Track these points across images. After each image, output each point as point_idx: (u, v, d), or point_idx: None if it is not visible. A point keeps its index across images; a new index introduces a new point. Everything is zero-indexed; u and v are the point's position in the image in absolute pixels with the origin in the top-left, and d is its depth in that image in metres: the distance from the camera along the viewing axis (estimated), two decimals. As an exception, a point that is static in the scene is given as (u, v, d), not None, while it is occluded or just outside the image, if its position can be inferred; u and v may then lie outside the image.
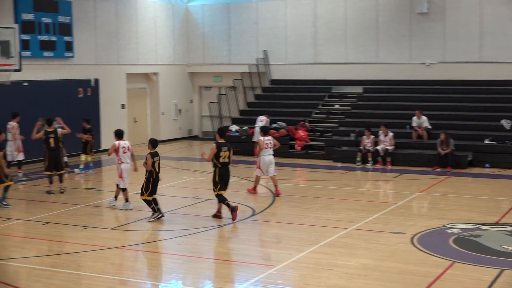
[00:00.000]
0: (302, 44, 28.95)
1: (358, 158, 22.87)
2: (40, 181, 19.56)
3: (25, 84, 22.64)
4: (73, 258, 12.01)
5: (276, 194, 17.39)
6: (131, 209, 15.76)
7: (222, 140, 14.83)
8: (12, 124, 19.61)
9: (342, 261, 11.52)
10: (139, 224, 14.56)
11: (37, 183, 19.47)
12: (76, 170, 21.22)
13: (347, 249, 12.29)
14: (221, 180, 14.65)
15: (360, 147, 23.02)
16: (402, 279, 10.58)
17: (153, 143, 14.82)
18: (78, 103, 24.75)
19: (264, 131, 17.88)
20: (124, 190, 15.92)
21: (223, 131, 15.18)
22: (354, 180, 20.66)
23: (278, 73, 29.51)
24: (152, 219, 14.63)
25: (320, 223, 14.47)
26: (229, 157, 14.75)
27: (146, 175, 14.66)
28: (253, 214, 15.37)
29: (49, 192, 17.80)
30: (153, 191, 14.66)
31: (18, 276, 11.06)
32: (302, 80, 28.85)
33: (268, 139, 17.54)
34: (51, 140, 17.88)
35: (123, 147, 15.76)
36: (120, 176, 15.83)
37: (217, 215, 14.87)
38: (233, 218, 14.49)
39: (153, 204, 14.70)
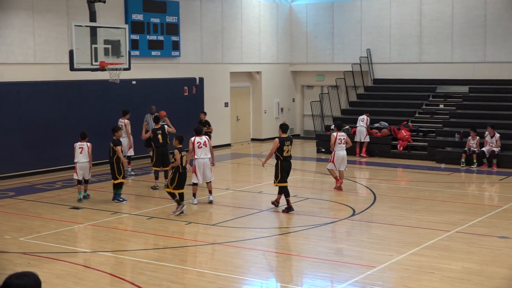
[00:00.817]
0: (406, 43, 28.55)
1: (463, 160, 22.35)
2: (146, 177, 20.18)
3: (134, 82, 23.39)
4: (176, 252, 12.35)
5: (337, 188, 18.10)
6: (196, 203, 16.16)
7: (284, 135, 15.57)
8: (124, 121, 20.22)
9: (444, 265, 11.32)
10: (240, 221, 14.80)
11: (143, 178, 20.10)
12: None
13: (449, 252, 12.06)
14: (282, 172, 15.44)
15: (465, 148, 22.49)
16: (507, 285, 10.29)
17: (180, 139, 15.42)
18: (184, 101, 25.35)
19: (338, 127, 18.51)
20: (195, 184, 16.26)
21: (285, 126, 15.87)
22: (458, 182, 20.22)
23: (381, 72, 29.22)
24: (176, 213, 15.04)
25: (421, 225, 14.25)
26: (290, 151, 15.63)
27: (173, 169, 15.09)
28: (353, 214, 15.33)
29: (154, 188, 18.34)
30: (180, 185, 15.08)
31: (125, 268, 11.48)
32: (406, 79, 28.44)
33: (342, 135, 18.17)
34: (159, 137, 18.32)
35: (198, 142, 16.05)
36: (194, 171, 16.09)
37: (275, 204, 15.82)
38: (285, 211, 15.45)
39: (177, 197, 15.14)
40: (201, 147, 16.01)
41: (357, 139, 25.09)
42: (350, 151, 25.02)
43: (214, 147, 26.96)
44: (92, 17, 19.85)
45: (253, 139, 30.23)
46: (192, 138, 16.05)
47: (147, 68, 24.21)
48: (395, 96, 28.07)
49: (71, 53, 18.94)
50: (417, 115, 26.58)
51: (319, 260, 11.94)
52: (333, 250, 12.45)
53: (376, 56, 29.23)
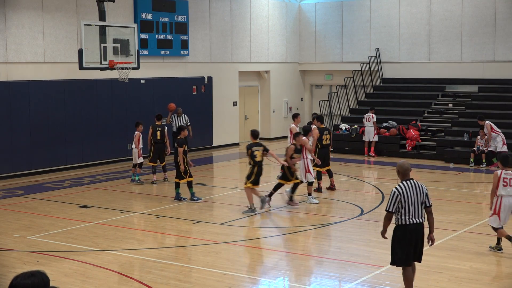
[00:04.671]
0: (415, 42, 28.48)
1: (472, 159, 22.28)
2: (151, 176, 20.11)
3: (142, 81, 23.43)
4: (184, 251, 12.38)
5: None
6: (317, 203, 16.28)
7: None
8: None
9: (452, 264, 11.30)
10: (248, 220, 14.81)
11: (150, 178, 20.04)
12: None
13: (457, 252, 12.04)
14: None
15: (474, 148, 22.43)
16: (515, 286, 10.27)
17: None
18: (192, 100, 25.38)
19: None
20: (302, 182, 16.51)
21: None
22: (466, 181, 20.16)
23: (390, 72, 29.16)
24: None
25: (430, 224, 14.19)
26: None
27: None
28: (361, 214, 15.31)
29: (152, 182, 18.60)
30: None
31: (133, 267, 11.51)
32: (415, 78, 28.38)
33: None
34: (158, 133, 18.69)
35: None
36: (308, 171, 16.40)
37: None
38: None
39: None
40: None
41: (365, 139, 25.06)
42: (359, 150, 25.12)
43: (223, 146, 27.08)
44: (101, 16, 19.90)
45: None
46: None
47: (156, 67, 24.25)
48: (404, 95, 28.01)
49: (80, 52, 18.99)
50: (426, 114, 26.51)
51: (327, 259, 11.93)
52: (341, 250, 12.43)
53: (385, 55, 29.18)
